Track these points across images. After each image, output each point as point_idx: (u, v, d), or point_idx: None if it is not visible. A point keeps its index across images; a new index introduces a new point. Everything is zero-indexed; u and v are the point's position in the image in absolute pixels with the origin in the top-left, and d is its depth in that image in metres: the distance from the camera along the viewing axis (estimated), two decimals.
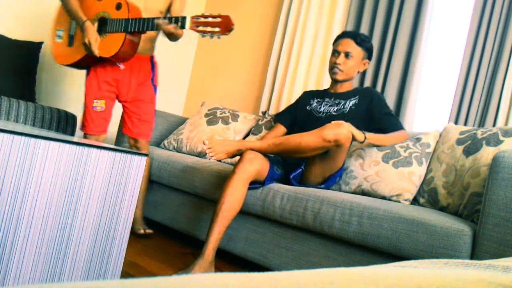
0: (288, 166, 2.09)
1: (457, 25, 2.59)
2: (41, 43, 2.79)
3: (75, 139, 1.28)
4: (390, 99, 2.60)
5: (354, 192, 1.96)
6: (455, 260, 0.48)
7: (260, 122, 2.72)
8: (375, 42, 2.71)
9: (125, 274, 1.58)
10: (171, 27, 1.94)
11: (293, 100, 3.07)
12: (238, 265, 2.06)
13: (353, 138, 1.80)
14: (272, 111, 3.15)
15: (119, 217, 1.24)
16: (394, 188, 1.87)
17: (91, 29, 2.07)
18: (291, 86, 3.12)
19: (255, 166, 1.79)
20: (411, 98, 2.53)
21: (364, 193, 1.93)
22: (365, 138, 1.86)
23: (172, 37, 2.15)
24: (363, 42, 2.13)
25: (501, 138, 1.66)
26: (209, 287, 0.26)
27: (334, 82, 2.20)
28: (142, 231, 2.22)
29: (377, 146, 2.00)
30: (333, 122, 1.75)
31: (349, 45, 2.11)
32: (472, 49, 2.34)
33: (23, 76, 2.67)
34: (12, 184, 1.03)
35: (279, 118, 2.39)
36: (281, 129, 2.34)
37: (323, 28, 3.02)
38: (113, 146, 1.27)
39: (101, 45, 2.12)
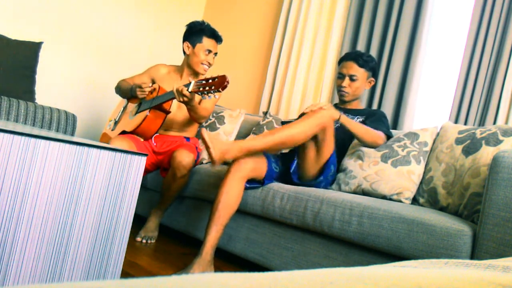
0: (286, 161, 2.09)
1: (457, 24, 2.59)
2: (41, 43, 2.79)
3: (75, 139, 1.28)
4: (390, 99, 2.60)
5: (354, 192, 1.96)
6: (455, 260, 0.48)
7: (261, 122, 2.72)
8: (375, 42, 2.71)
9: (125, 274, 1.58)
10: (179, 87, 2.09)
11: (296, 105, 3.07)
12: (238, 265, 2.06)
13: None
14: (273, 111, 3.15)
15: (119, 217, 1.24)
16: (394, 187, 1.87)
17: (140, 82, 2.43)
18: (291, 86, 3.12)
19: (250, 164, 1.80)
20: (411, 98, 2.53)
21: (364, 192, 1.93)
22: (340, 117, 1.90)
23: (192, 111, 2.26)
24: (366, 63, 2.20)
25: (501, 137, 1.66)
26: (209, 287, 0.26)
27: (342, 102, 2.30)
28: (139, 239, 2.18)
29: (350, 130, 1.96)
30: (311, 105, 1.80)
31: (353, 67, 2.19)
32: (472, 49, 2.34)
33: (23, 76, 2.67)
34: (12, 184, 1.03)
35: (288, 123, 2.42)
36: None
37: (323, 28, 3.02)
38: (113, 146, 1.27)
39: (129, 122, 2.39)
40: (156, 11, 3.77)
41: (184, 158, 2.16)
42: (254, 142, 1.83)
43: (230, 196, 1.76)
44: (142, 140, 2.37)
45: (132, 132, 2.32)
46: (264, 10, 3.59)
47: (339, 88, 2.25)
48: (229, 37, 3.70)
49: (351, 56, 2.24)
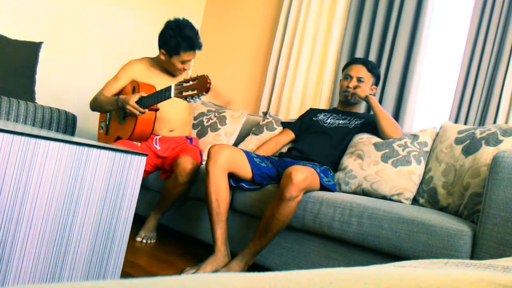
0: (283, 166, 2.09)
1: (457, 25, 2.59)
2: (41, 43, 2.79)
3: (75, 139, 1.28)
4: (390, 99, 2.60)
5: (354, 192, 1.95)
6: (455, 260, 0.48)
7: (261, 123, 2.71)
8: (375, 42, 2.71)
9: (125, 274, 1.58)
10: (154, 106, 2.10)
11: (296, 105, 3.07)
12: None
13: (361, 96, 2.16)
14: (273, 111, 3.15)
15: (119, 217, 1.24)
16: (395, 187, 1.87)
17: (127, 97, 2.17)
18: (291, 86, 3.12)
19: (224, 155, 1.83)
20: (411, 97, 2.53)
21: (364, 192, 1.93)
22: (368, 96, 2.16)
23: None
24: (374, 69, 2.28)
25: (500, 137, 1.66)
26: (209, 287, 0.26)
27: (344, 104, 2.33)
28: (139, 239, 2.17)
29: (376, 111, 2.11)
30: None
31: (361, 70, 2.26)
32: (472, 49, 2.34)
33: (23, 76, 2.67)
34: (12, 184, 1.03)
35: (288, 124, 2.50)
36: (289, 134, 2.43)
37: (323, 28, 3.02)
38: (113, 146, 1.27)
39: (122, 128, 2.33)
40: (156, 11, 3.77)
41: (188, 165, 2.13)
42: None
43: (220, 191, 1.81)
44: (139, 144, 2.35)
45: (128, 138, 2.30)
46: (264, 10, 3.59)
47: (344, 89, 2.27)
48: (229, 37, 3.71)
49: (360, 60, 2.31)
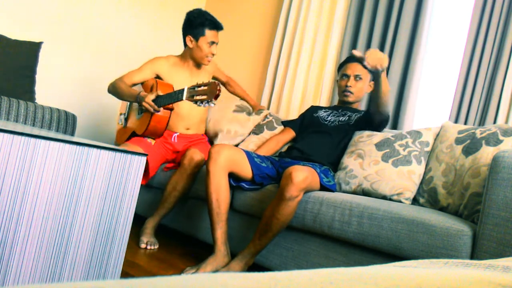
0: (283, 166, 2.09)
1: (457, 24, 2.59)
2: (41, 43, 2.79)
3: (75, 139, 1.28)
4: (390, 99, 2.60)
5: (354, 192, 1.95)
6: (455, 260, 0.48)
7: (261, 122, 2.71)
8: (375, 42, 2.71)
9: (125, 274, 1.58)
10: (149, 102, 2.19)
11: (296, 104, 3.07)
12: None
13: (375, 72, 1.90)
14: (273, 111, 3.15)
15: (119, 217, 1.24)
16: (395, 187, 1.87)
17: (145, 94, 2.24)
18: (291, 86, 3.12)
19: (224, 155, 1.84)
20: (411, 97, 2.53)
21: (364, 192, 1.93)
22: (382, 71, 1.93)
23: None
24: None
25: (501, 137, 1.66)
26: (209, 287, 0.26)
27: (344, 103, 2.32)
28: (143, 245, 2.10)
29: (381, 88, 1.96)
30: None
31: (357, 68, 2.23)
32: (472, 49, 2.34)
33: (23, 76, 2.67)
34: (12, 184, 1.03)
35: (288, 123, 2.50)
36: (290, 133, 2.43)
37: (323, 28, 3.02)
38: (113, 146, 1.27)
39: (137, 123, 2.40)
40: (156, 11, 3.77)
41: (196, 155, 2.20)
42: None
43: (221, 192, 1.82)
44: (153, 142, 2.38)
45: (142, 134, 2.35)
46: (264, 10, 3.59)
47: (343, 89, 2.26)
48: (229, 37, 3.70)
49: (355, 58, 2.26)
